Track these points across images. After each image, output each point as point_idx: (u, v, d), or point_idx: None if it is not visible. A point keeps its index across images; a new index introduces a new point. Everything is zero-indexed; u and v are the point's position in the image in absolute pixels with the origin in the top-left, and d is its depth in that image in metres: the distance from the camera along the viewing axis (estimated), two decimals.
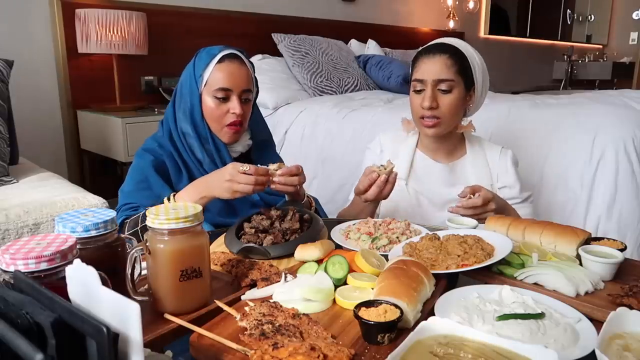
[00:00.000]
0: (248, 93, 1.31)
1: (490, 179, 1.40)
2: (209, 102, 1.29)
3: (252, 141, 1.40)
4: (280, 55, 3.36)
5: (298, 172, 1.17)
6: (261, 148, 1.44)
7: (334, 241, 1.03)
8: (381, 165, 1.23)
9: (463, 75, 1.33)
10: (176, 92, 1.35)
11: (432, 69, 1.32)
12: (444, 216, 1.38)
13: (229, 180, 1.08)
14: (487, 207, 1.16)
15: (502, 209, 1.23)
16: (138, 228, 1.14)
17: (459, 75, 1.33)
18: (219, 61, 1.29)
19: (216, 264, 0.93)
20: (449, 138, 1.41)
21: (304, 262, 0.92)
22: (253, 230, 1.06)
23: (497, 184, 1.41)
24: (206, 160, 1.31)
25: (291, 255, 0.97)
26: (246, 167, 1.08)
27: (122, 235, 0.79)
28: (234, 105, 1.28)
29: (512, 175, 1.40)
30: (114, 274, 0.69)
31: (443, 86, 1.32)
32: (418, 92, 1.35)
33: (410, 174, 1.44)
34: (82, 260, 0.48)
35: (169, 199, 1.14)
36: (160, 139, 1.33)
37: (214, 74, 1.28)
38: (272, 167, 1.14)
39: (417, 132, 1.47)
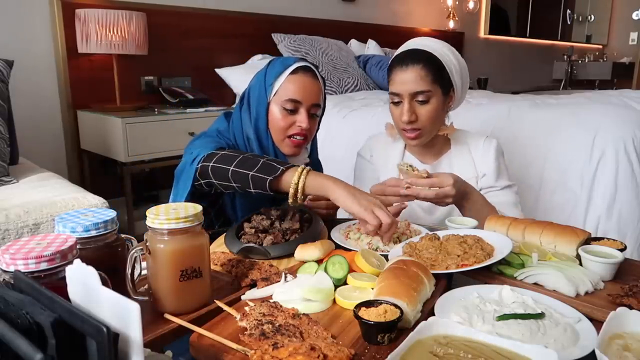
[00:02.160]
0: (317, 108, 1.27)
1: (475, 170, 1.37)
2: (275, 112, 1.24)
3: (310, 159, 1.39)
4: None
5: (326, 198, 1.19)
6: (317, 167, 1.43)
7: (334, 241, 1.03)
8: (410, 166, 1.18)
9: (439, 83, 1.30)
10: (244, 95, 1.31)
11: (406, 81, 1.29)
12: (433, 220, 1.37)
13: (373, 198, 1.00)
14: (440, 191, 1.14)
15: (463, 197, 1.19)
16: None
17: (434, 84, 1.29)
18: (292, 72, 1.25)
19: (216, 264, 0.93)
20: (435, 139, 1.40)
21: (304, 262, 0.92)
22: (253, 230, 1.06)
23: (480, 174, 1.38)
24: None
25: (291, 255, 0.97)
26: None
27: (122, 236, 0.79)
28: (302, 118, 1.23)
29: (492, 162, 1.37)
30: (114, 274, 0.69)
31: (420, 97, 1.29)
32: (396, 104, 1.33)
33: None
34: (82, 260, 0.48)
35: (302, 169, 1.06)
36: (227, 134, 1.30)
37: (286, 84, 1.24)
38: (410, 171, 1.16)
39: None
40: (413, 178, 1.14)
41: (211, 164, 1.10)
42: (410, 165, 1.17)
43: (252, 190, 1.07)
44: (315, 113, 1.28)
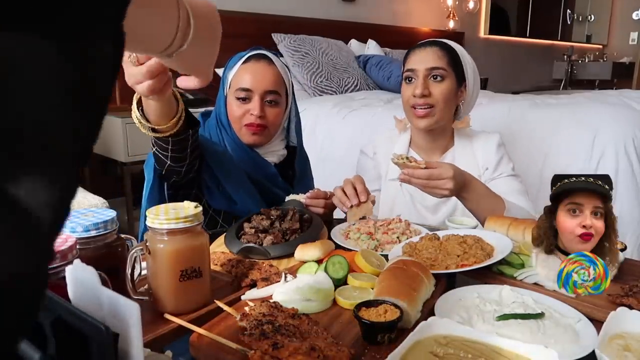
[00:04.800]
0: (273, 95, 1.26)
1: (478, 168, 1.37)
2: (231, 103, 1.26)
3: (290, 151, 1.38)
4: (280, 55, 3.36)
5: (325, 197, 1.19)
6: (302, 159, 1.42)
7: (334, 241, 1.03)
8: (406, 158, 1.14)
9: (454, 68, 1.34)
10: None
11: (423, 58, 1.33)
12: (437, 219, 1.37)
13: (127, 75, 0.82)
14: (438, 182, 1.10)
15: (462, 188, 1.15)
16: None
17: (450, 67, 1.33)
18: (245, 62, 1.26)
19: (216, 264, 0.93)
20: (441, 135, 1.39)
21: (304, 262, 0.92)
22: (253, 230, 1.06)
23: (482, 168, 1.38)
24: (242, 164, 1.28)
25: (291, 255, 0.97)
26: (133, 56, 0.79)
27: (122, 236, 0.79)
28: (253, 105, 1.23)
29: (493, 155, 1.37)
30: (114, 274, 0.69)
31: (435, 73, 1.31)
32: (409, 81, 1.35)
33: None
34: (82, 260, 0.48)
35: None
36: (201, 130, 1.29)
37: (237, 74, 1.25)
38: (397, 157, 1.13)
39: (410, 130, 1.46)
40: (410, 169, 1.12)
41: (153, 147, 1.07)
42: (407, 157, 1.13)
43: (173, 147, 1.02)
44: (273, 100, 1.26)
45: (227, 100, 1.28)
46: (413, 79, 1.34)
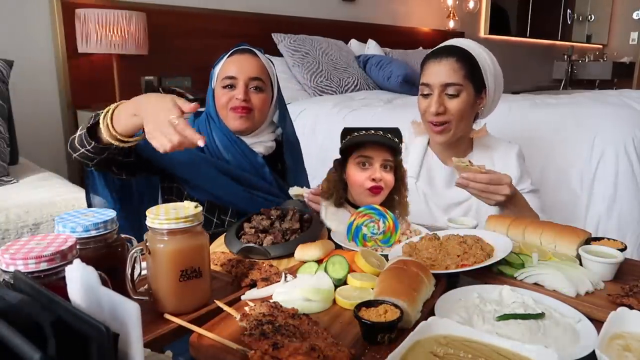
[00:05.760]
0: (258, 81, 1.31)
1: None
2: (218, 93, 1.32)
3: (279, 143, 1.41)
4: (280, 55, 3.36)
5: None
6: (293, 149, 1.45)
7: (334, 241, 1.03)
8: (470, 161, 1.13)
9: (472, 79, 1.30)
10: None
11: (438, 73, 1.29)
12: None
13: (159, 124, 0.87)
14: (497, 188, 1.09)
15: (515, 199, 1.14)
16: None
17: (467, 80, 1.29)
18: (229, 56, 1.33)
19: (216, 264, 0.93)
20: (459, 142, 1.39)
21: (304, 262, 0.92)
22: (253, 230, 1.06)
23: None
24: (230, 157, 1.32)
25: (291, 255, 0.97)
26: (176, 118, 0.83)
27: (122, 236, 0.79)
28: (238, 90, 1.29)
29: (514, 168, 1.36)
30: (114, 274, 0.69)
31: (450, 90, 1.29)
32: (425, 96, 1.33)
33: (420, 173, 1.42)
34: (82, 260, 0.48)
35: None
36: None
37: (223, 66, 1.33)
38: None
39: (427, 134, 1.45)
40: (471, 173, 1.11)
41: (70, 140, 1.09)
42: (469, 161, 1.14)
43: (90, 149, 1.04)
44: (258, 86, 1.31)
45: (215, 93, 1.34)
46: (429, 94, 1.32)
